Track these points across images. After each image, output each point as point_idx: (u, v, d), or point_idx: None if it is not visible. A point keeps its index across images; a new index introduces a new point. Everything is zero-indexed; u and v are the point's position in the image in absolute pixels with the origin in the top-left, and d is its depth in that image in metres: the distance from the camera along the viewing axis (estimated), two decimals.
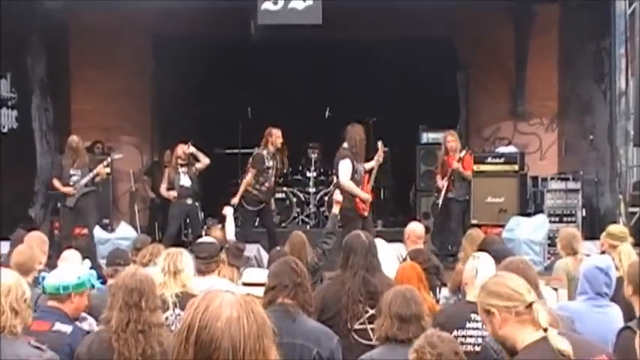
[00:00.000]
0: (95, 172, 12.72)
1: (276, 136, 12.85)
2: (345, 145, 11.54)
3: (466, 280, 5.95)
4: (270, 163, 12.90)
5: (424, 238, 9.35)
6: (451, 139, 13.23)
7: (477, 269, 5.80)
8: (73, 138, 12.99)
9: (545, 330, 3.71)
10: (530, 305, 3.76)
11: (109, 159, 13.28)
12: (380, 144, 11.84)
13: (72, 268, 5.64)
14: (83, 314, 5.85)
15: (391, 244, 8.77)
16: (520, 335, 3.73)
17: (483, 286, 3.95)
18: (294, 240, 8.60)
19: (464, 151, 13.30)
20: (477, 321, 5.64)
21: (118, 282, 4.97)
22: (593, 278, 6.03)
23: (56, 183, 12.74)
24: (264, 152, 12.87)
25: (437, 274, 8.06)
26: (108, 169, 13.22)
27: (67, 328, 5.24)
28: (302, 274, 5.18)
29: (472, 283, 5.83)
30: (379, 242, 7.84)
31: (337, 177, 11.50)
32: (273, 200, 13.94)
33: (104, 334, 4.87)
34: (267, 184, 12.95)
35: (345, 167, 11.34)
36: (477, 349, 5.55)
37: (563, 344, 3.65)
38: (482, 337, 5.56)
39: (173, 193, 13.21)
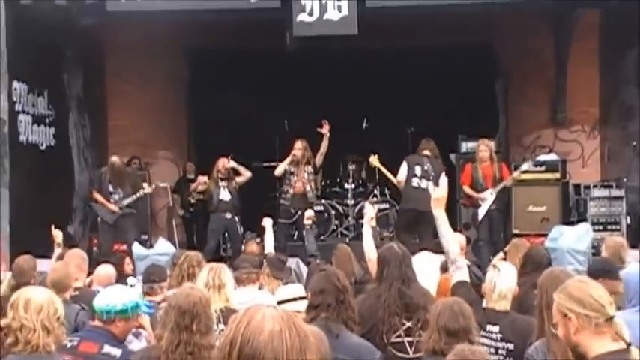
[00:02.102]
0: (139, 195, 13.27)
1: (295, 147, 13.30)
2: (428, 152, 12.70)
3: (485, 291, 5.97)
4: (292, 170, 13.25)
5: (465, 249, 9.34)
6: (483, 148, 13.21)
7: (495, 282, 5.82)
8: (115, 161, 13.31)
9: (629, 345, 3.67)
10: (610, 319, 3.72)
11: (153, 186, 13.82)
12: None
13: (121, 291, 5.61)
14: (138, 330, 5.90)
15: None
16: (595, 343, 3.68)
17: (565, 287, 3.87)
18: (340, 252, 8.57)
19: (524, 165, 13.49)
20: (491, 332, 5.66)
21: (171, 301, 4.98)
22: None
23: (99, 197, 13.06)
24: (285, 162, 13.37)
25: (478, 285, 8.03)
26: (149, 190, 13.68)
27: (117, 352, 5.23)
28: (345, 290, 5.18)
29: (490, 295, 5.85)
30: (425, 255, 7.84)
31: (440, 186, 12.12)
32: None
33: (154, 352, 4.91)
34: (291, 191, 13.26)
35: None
36: None
37: None
38: (496, 348, 5.56)
39: (203, 179, 13.59)
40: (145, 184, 13.68)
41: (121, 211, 13.10)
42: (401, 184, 12.94)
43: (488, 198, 12.95)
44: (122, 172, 13.31)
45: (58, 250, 9.09)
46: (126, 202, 13.14)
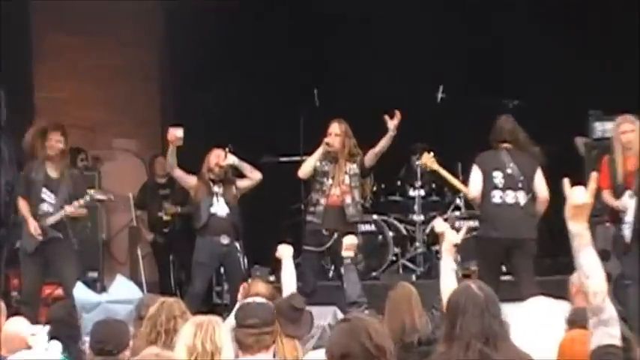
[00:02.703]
0: (64, 212, 12.91)
1: (329, 132, 13.08)
2: (509, 145, 12.47)
3: None
4: (326, 169, 13.11)
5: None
6: (628, 127, 12.88)
7: None
8: (40, 126, 13.08)
9: None
10: None
11: (87, 197, 13.26)
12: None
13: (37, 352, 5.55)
14: None
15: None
16: None
17: None
18: (396, 295, 8.59)
19: None
20: None
21: None
22: None
23: (23, 207, 12.90)
24: (316, 155, 13.24)
25: (627, 350, 7.84)
26: (84, 211, 13.38)
27: None
28: (381, 354, 4.96)
29: None
30: (540, 301, 7.64)
31: (537, 192, 12.35)
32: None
33: None
34: (323, 202, 13.10)
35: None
36: None
37: None
38: None
39: (176, 131, 13.12)
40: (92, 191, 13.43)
41: (43, 236, 12.87)
42: (476, 201, 12.81)
43: (628, 205, 12.67)
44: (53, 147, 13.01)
45: None
46: (52, 218, 12.89)
